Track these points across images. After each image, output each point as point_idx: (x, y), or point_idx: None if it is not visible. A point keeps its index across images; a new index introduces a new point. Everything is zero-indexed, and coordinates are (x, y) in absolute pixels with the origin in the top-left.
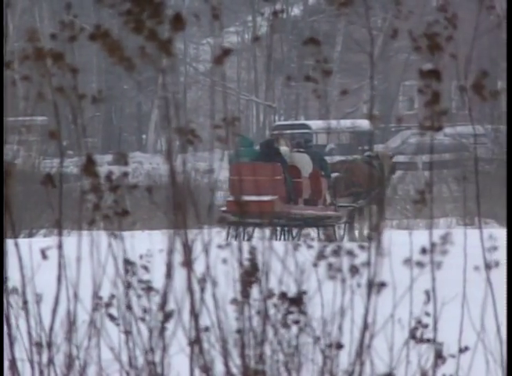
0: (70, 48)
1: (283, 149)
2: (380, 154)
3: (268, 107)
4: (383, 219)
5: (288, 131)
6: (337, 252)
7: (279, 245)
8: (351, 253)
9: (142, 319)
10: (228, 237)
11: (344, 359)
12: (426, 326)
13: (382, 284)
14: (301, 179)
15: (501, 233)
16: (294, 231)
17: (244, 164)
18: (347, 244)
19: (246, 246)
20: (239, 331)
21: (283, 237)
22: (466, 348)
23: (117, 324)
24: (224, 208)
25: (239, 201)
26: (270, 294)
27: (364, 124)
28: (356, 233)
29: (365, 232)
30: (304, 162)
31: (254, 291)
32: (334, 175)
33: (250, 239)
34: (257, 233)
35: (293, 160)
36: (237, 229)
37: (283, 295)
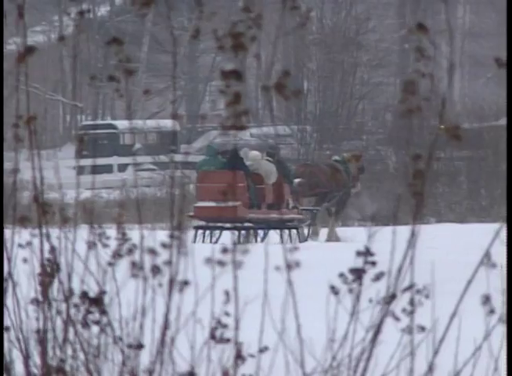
0: None
1: (254, 154)
2: (345, 158)
3: (75, 107)
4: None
5: (94, 131)
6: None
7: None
8: (153, 252)
9: None
10: (196, 240)
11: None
12: (225, 325)
13: (185, 283)
14: (263, 186)
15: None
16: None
17: (209, 172)
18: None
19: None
20: (39, 331)
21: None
22: (266, 348)
23: None
24: (191, 213)
25: (204, 207)
26: (71, 294)
27: (170, 124)
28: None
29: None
30: (270, 170)
31: (57, 291)
32: (297, 180)
33: (216, 242)
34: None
35: (259, 167)
36: (204, 233)
37: (84, 295)
